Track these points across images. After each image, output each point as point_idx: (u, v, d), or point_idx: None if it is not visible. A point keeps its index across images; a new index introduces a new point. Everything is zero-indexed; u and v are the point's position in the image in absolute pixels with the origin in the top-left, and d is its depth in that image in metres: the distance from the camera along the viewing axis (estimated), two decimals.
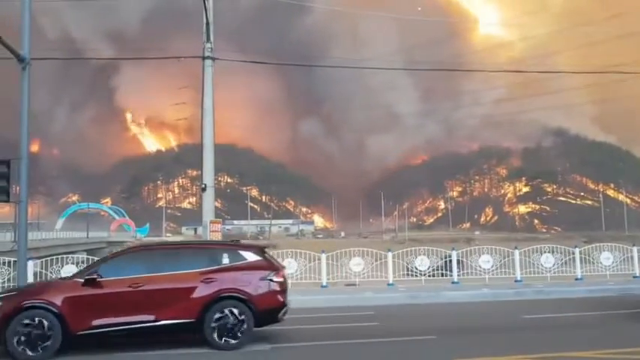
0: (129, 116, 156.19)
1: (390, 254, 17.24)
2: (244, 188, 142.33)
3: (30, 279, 14.96)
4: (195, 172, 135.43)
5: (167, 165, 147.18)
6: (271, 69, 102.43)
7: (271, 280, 9.39)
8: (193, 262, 9.46)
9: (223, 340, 8.95)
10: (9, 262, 15.70)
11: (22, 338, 8.52)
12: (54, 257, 16.30)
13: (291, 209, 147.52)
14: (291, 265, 16.37)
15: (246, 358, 8.67)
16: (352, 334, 10.24)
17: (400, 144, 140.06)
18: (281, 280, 9.55)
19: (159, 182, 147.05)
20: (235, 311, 9.04)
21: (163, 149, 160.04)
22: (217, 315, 8.98)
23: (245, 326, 9.04)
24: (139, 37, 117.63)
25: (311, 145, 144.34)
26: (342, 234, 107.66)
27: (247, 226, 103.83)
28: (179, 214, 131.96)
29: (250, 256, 9.67)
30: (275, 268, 9.65)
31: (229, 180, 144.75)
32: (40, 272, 15.66)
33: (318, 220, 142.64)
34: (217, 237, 16.49)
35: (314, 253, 17.26)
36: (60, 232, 76.29)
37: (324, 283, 16.75)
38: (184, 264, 9.40)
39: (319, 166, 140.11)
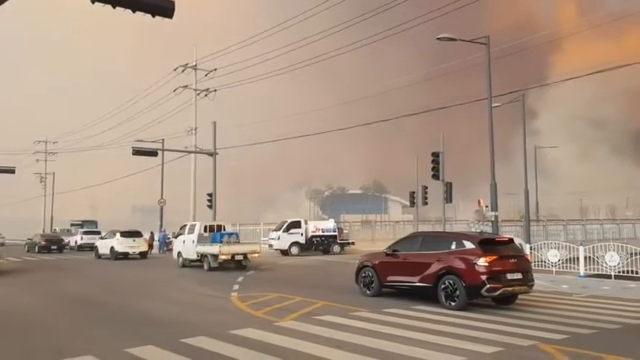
0: None
1: None
2: None
3: None
4: None
5: None
6: None
7: (476, 263, 12.22)
8: (436, 246, 13.37)
9: (447, 302, 12.56)
10: None
11: (363, 282, 14.91)
12: None
13: None
14: None
15: None
16: None
17: None
18: (485, 264, 12.17)
19: None
20: (452, 283, 12.54)
21: None
22: (443, 284, 12.69)
23: (458, 294, 12.39)
24: None
25: None
26: None
27: None
28: None
29: (469, 245, 12.72)
30: (482, 255, 12.23)
31: None
32: None
33: None
34: None
35: None
36: None
37: None
38: (431, 247, 13.44)
39: None
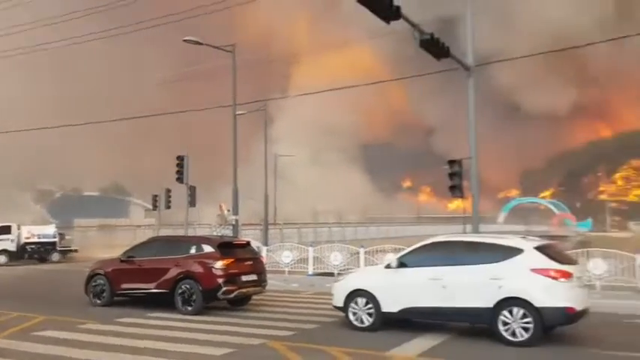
0: None
1: None
2: None
3: None
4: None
5: (606, 156, 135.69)
6: None
7: (213, 266, 12.37)
8: (176, 250, 13.14)
9: (183, 307, 12.43)
10: None
11: (94, 291, 13.82)
12: None
13: None
14: None
15: None
16: None
17: None
18: (222, 267, 12.38)
19: (599, 174, 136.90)
20: (189, 287, 12.42)
21: (600, 140, 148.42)
22: (180, 289, 12.51)
23: (195, 299, 12.37)
24: None
25: None
26: None
27: None
28: (625, 208, 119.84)
29: (207, 249, 12.83)
30: (220, 258, 12.47)
31: None
32: None
33: None
34: None
35: None
36: (502, 225, 79.64)
37: None
38: (170, 252, 13.17)
39: None
